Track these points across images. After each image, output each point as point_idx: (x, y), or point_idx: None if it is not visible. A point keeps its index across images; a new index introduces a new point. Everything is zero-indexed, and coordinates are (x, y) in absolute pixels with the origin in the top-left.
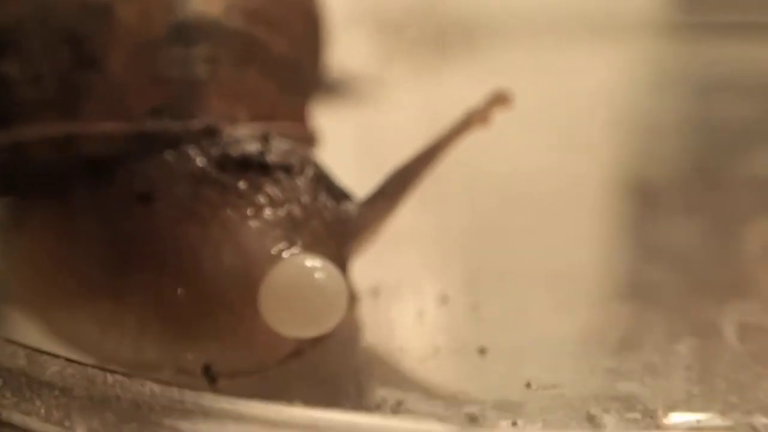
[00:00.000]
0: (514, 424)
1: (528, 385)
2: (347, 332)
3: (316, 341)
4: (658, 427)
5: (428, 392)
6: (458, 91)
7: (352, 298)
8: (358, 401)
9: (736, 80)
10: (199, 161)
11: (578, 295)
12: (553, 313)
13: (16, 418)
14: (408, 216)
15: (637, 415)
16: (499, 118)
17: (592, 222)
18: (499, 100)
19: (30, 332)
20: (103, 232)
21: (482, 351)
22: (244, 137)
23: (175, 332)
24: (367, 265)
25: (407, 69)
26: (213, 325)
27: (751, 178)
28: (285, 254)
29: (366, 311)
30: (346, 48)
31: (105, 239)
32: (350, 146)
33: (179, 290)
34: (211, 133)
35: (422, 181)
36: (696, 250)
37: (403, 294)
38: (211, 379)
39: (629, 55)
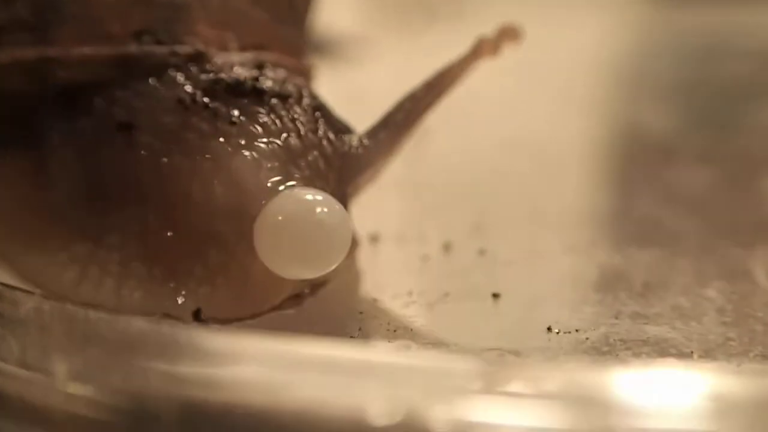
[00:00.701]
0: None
1: (549, 329)
2: (348, 278)
3: (316, 285)
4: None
5: (440, 338)
6: (445, 52)
7: (354, 241)
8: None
9: (728, 45)
10: (187, 87)
11: (593, 240)
12: (567, 258)
13: None
14: (404, 164)
15: (671, 359)
16: (496, 76)
17: (600, 169)
18: (509, 33)
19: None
20: (80, 167)
21: (495, 296)
22: (236, 64)
23: (161, 274)
24: (365, 210)
25: (394, 30)
26: (203, 265)
27: (759, 129)
28: (282, 187)
29: (366, 257)
30: (332, 9)
31: (81, 174)
32: (335, 106)
33: (165, 227)
34: (199, 59)
35: (427, 113)
36: (714, 197)
37: (404, 240)
38: (201, 323)
39: (620, 20)
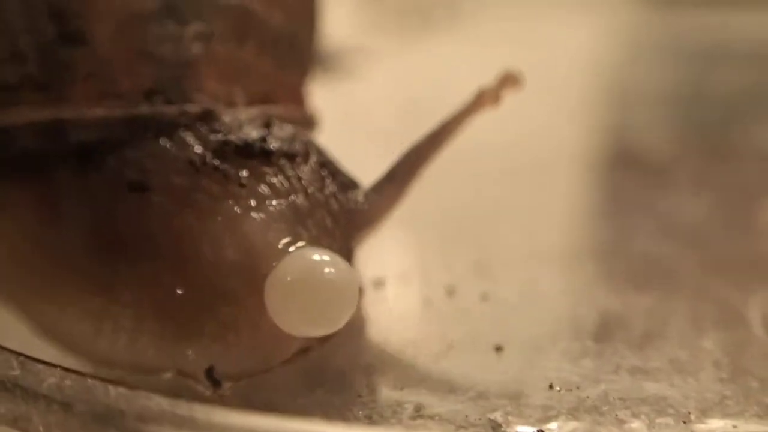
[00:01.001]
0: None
1: (551, 386)
2: (354, 327)
3: (324, 339)
4: None
5: (446, 394)
6: (442, 60)
7: (360, 291)
8: (372, 405)
9: (725, 49)
10: (197, 148)
11: (592, 279)
12: (567, 299)
13: None
14: (406, 201)
15: (669, 420)
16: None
17: (597, 196)
18: (510, 80)
19: (18, 329)
20: (94, 223)
21: (498, 348)
22: (244, 122)
23: (174, 331)
24: (369, 254)
25: (390, 37)
26: (215, 322)
27: (754, 150)
28: (291, 248)
29: (371, 303)
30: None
31: (93, 227)
32: (336, 118)
33: (178, 285)
34: (208, 117)
35: (430, 164)
36: (710, 228)
37: (408, 283)
38: (215, 382)
39: (615, 24)
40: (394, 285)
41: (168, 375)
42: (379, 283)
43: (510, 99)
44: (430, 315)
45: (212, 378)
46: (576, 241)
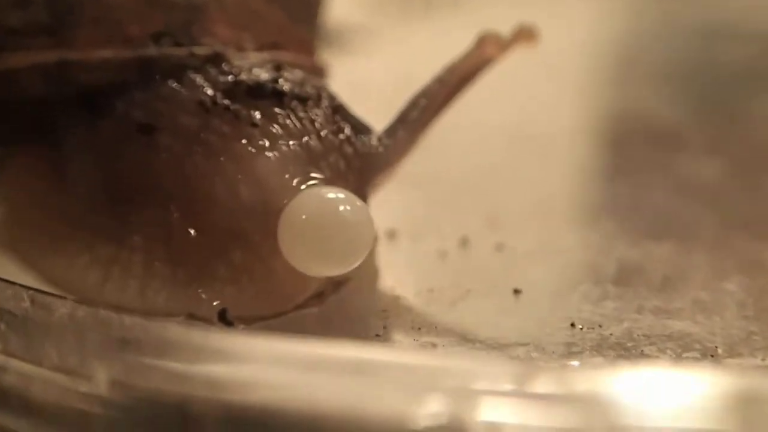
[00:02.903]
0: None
1: (572, 325)
2: (368, 275)
3: (339, 283)
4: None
5: (464, 335)
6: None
7: (374, 238)
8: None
9: (733, 26)
10: (207, 90)
11: (609, 233)
12: (584, 252)
13: (23, 367)
14: (415, 160)
15: (696, 355)
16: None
17: (610, 159)
18: (525, 34)
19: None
20: (100, 169)
21: (517, 291)
22: (255, 65)
23: (186, 274)
24: (380, 207)
25: (393, 19)
26: (228, 265)
27: (765, 117)
28: (304, 187)
29: (384, 254)
30: None
31: (102, 176)
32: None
33: (190, 228)
34: (217, 59)
35: (443, 109)
36: (725, 188)
37: (421, 236)
38: (227, 324)
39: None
40: (406, 237)
41: (178, 319)
42: (391, 235)
43: (517, 73)
44: (445, 265)
45: (225, 320)
46: (591, 198)
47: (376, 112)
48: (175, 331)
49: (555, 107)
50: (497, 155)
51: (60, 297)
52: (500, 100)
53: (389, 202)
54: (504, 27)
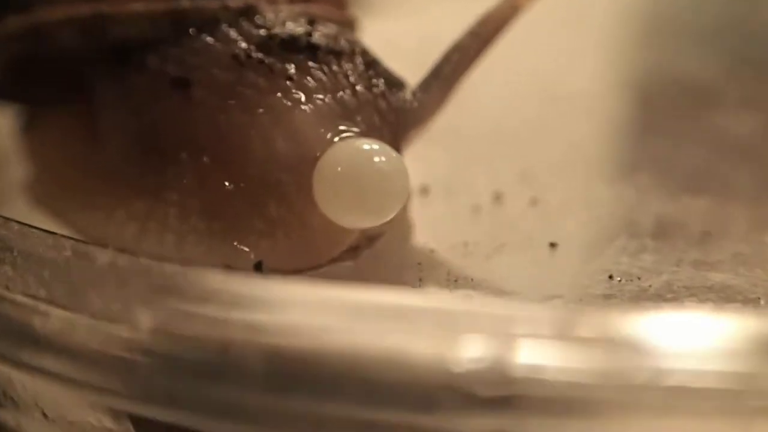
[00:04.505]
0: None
1: (610, 277)
2: (402, 230)
3: (373, 237)
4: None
5: (502, 286)
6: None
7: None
8: None
9: None
10: (241, 43)
11: (645, 188)
12: (620, 206)
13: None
14: (447, 116)
15: (738, 306)
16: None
17: (645, 116)
18: None
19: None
20: (134, 124)
21: (552, 245)
22: (287, 18)
23: (221, 228)
24: (413, 162)
25: None
26: (263, 218)
27: None
28: (338, 138)
29: (418, 209)
30: None
31: (136, 131)
32: None
33: (225, 181)
34: (250, 12)
35: (475, 63)
36: (762, 142)
37: (454, 191)
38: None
39: None
40: (439, 193)
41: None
42: (424, 191)
43: (548, 28)
44: (479, 219)
45: (261, 272)
46: (625, 152)
47: (404, 73)
48: (215, 278)
49: (587, 62)
50: (529, 110)
51: (102, 246)
52: (532, 56)
53: (422, 158)
54: None
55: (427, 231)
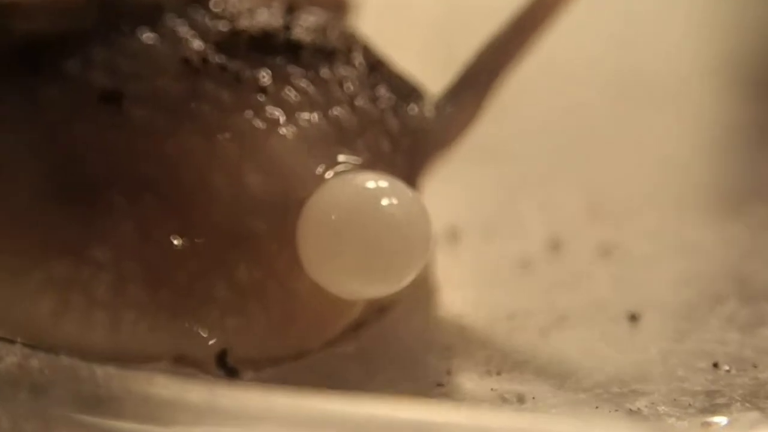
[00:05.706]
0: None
1: (715, 365)
2: (423, 297)
3: (383, 308)
4: None
5: (562, 379)
6: None
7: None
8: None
9: None
10: (193, 42)
11: (760, 224)
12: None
13: None
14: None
15: None
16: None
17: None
18: None
19: None
20: (49, 152)
21: (633, 317)
22: (257, 5)
23: (171, 300)
24: (439, 197)
25: None
26: (229, 285)
27: None
28: (330, 173)
29: (445, 263)
30: None
31: (52, 163)
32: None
33: (175, 234)
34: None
35: (518, 58)
36: None
37: (494, 235)
38: (229, 371)
39: None
40: (474, 239)
41: (162, 364)
42: (453, 237)
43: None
44: (530, 277)
45: (225, 366)
46: (722, 177)
47: (420, 55)
48: (161, 384)
49: (672, 43)
50: (596, 115)
51: (7, 340)
52: (596, 41)
53: (449, 193)
54: None
55: (458, 296)
